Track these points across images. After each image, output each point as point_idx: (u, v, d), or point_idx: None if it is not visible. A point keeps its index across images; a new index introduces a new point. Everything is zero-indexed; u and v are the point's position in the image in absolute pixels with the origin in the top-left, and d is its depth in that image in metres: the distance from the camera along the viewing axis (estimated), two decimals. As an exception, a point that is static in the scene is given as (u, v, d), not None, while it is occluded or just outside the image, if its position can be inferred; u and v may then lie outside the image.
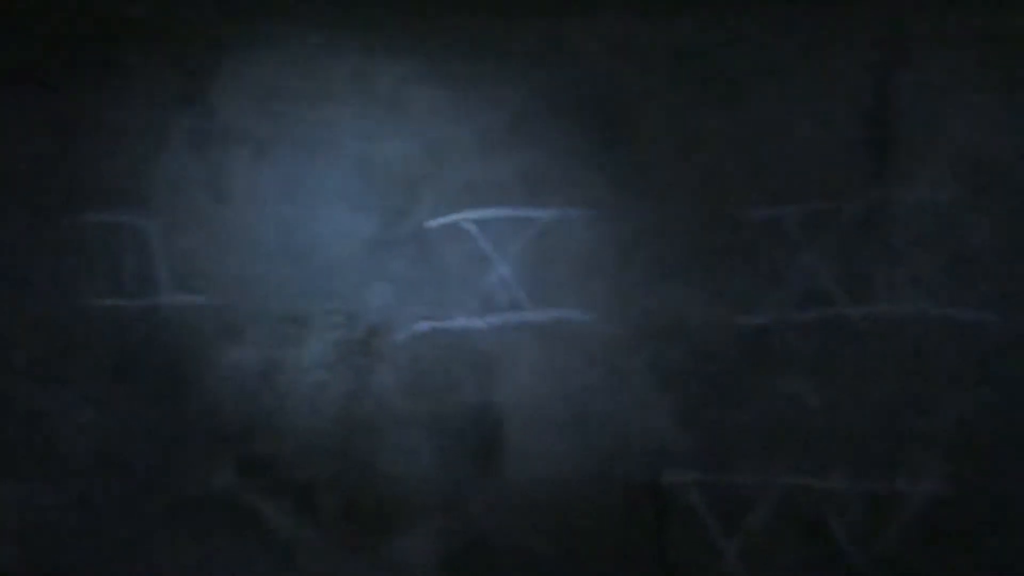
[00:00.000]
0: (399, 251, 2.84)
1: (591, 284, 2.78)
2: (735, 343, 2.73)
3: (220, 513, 2.81)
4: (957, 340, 2.66)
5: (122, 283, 2.85)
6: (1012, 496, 2.61)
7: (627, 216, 2.78)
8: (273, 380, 2.83)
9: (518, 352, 2.80)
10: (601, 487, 2.77)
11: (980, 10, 2.65)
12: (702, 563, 2.72)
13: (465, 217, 2.82)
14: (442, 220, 2.83)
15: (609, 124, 2.80)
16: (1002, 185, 2.66)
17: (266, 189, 2.86)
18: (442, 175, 2.83)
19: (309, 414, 2.82)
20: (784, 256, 2.73)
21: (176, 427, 2.83)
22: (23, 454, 2.85)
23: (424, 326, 2.83)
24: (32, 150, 2.89)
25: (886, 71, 2.69)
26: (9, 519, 2.83)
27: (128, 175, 2.87)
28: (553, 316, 2.79)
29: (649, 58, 2.81)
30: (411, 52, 2.84)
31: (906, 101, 2.69)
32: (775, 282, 2.73)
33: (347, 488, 2.81)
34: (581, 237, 2.80)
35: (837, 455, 2.70)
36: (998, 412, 2.63)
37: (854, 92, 2.71)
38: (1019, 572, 2.58)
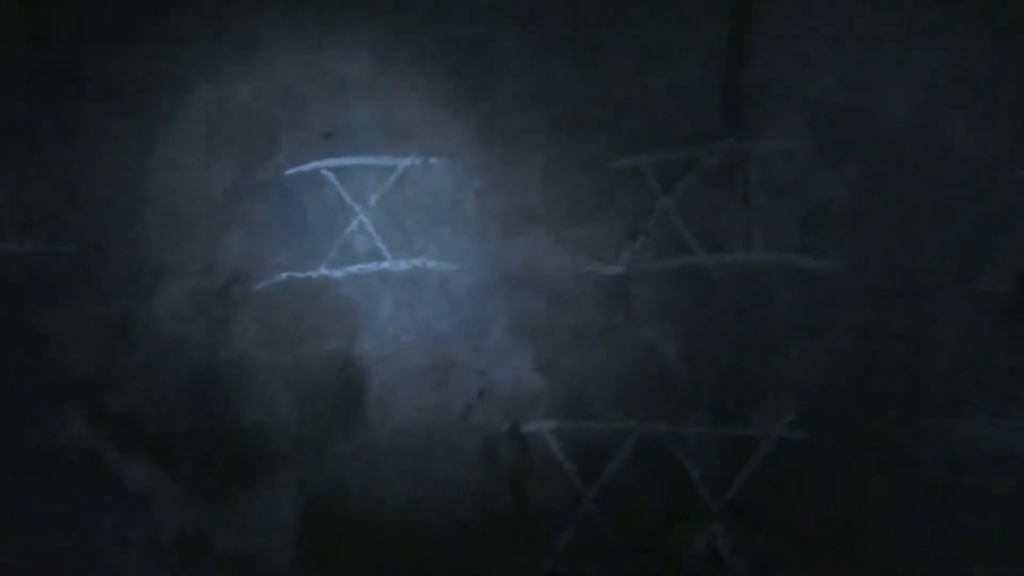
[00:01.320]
0: (257, 199, 2.79)
1: (450, 232, 2.77)
2: (593, 291, 2.75)
3: (72, 467, 2.76)
4: (809, 288, 2.70)
5: (-32, 232, 2.77)
6: (859, 439, 2.68)
7: (486, 164, 2.76)
8: (127, 331, 2.78)
9: (378, 301, 2.79)
10: (461, 435, 2.78)
11: (834, -39, 2.67)
12: (561, 509, 2.76)
13: (324, 165, 2.78)
14: (300, 168, 2.78)
15: (468, 72, 2.77)
16: (855, 138, 2.69)
17: (117, 134, 2.78)
18: (299, 122, 2.78)
19: (165, 366, 2.77)
20: (641, 205, 2.74)
21: (26, 379, 2.76)
22: None
23: (283, 276, 2.79)
24: None
25: (741, 23, 2.70)
26: None
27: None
28: (413, 265, 2.77)
29: (507, 6, 2.77)
30: (266, -5, 2.77)
31: (761, 53, 2.70)
32: (632, 231, 2.74)
33: (205, 441, 2.78)
34: (440, 185, 2.77)
35: (693, 401, 2.74)
36: (847, 358, 2.69)
37: (710, 43, 2.72)
38: (865, 512, 2.66)
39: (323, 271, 2.78)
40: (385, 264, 2.78)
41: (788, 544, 2.68)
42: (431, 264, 2.77)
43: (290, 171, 2.78)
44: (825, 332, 2.70)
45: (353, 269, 2.78)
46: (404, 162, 2.77)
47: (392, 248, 2.78)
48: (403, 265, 2.78)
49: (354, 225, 2.77)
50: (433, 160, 2.77)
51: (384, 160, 2.77)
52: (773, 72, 2.71)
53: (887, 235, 2.68)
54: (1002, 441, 2.60)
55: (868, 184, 2.69)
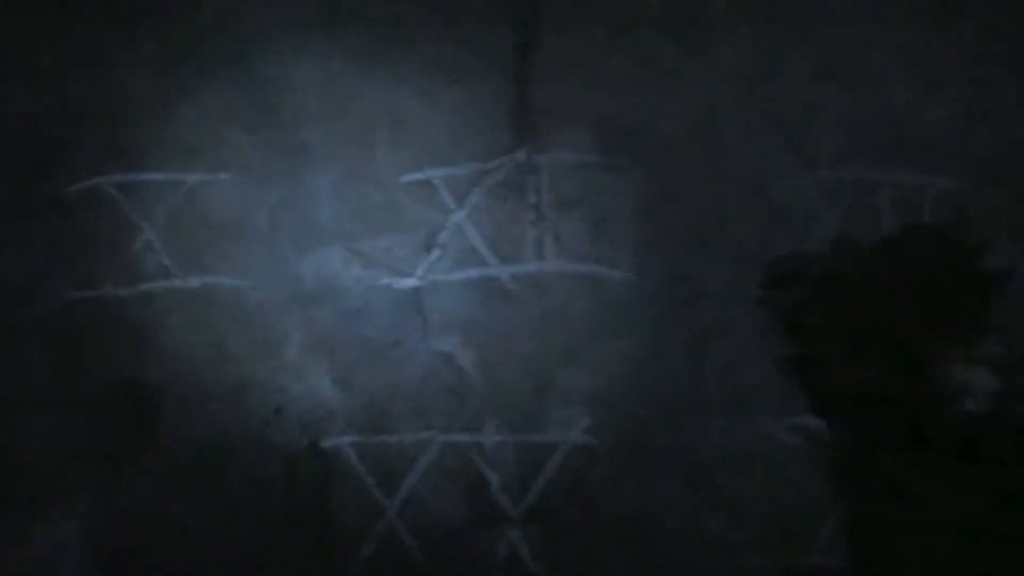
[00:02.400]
0: (38, 218, 2.69)
1: (241, 249, 2.73)
2: (388, 305, 2.76)
3: None
4: (599, 296, 2.79)
5: None
6: (649, 442, 2.77)
7: (277, 179, 2.74)
8: None
9: (169, 320, 2.72)
10: (260, 453, 2.74)
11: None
12: (364, 523, 2.75)
13: (107, 181, 2.70)
14: (82, 185, 2.69)
15: (256, 87, 2.74)
16: (638, 151, 2.78)
17: None
18: (80, 138, 2.69)
19: (-62, 394, 2.64)
20: (434, 218, 2.77)
21: None
22: None
23: (66, 297, 2.69)
24: None
25: (526, 42, 2.76)
26: None
27: None
28: (204, 282, 2.72)
29: (298, 20, 2.76)
30: (40, 6, 2.67)
31: (547, 70, 2.77)
32: (426, 244, 2.77)
33: (-16, 472, 2.65)
34: (231, 201, 2.73)
35: (490, 410, 2.78)
36: (637, 364, 2.78)
37: (497, 61, 2.77)
38: (656, 511, 2.75)
39: (109, 291, 2.70)
40: (175, 282, 2.71)
41: (586, 546, 2.75)
42: (223, 281, 2.73)
43: (71, 188, 2.69)
44: (616, 339, 2.78)
45: (141, 288, 2.70)
46: (193, 178, 2.72)
47: (182, 265, 2.72)
48: (194, 282, 2.72)
49: (141, 243, 2.70)
50: (223, 176, 2.73)
51: (171, 176, 2.71)
52: (559, 88, 2.78)
53: (671, 244, 2.79)
54: (780, 438, 2.74)
55: (652, 195, 2.79)
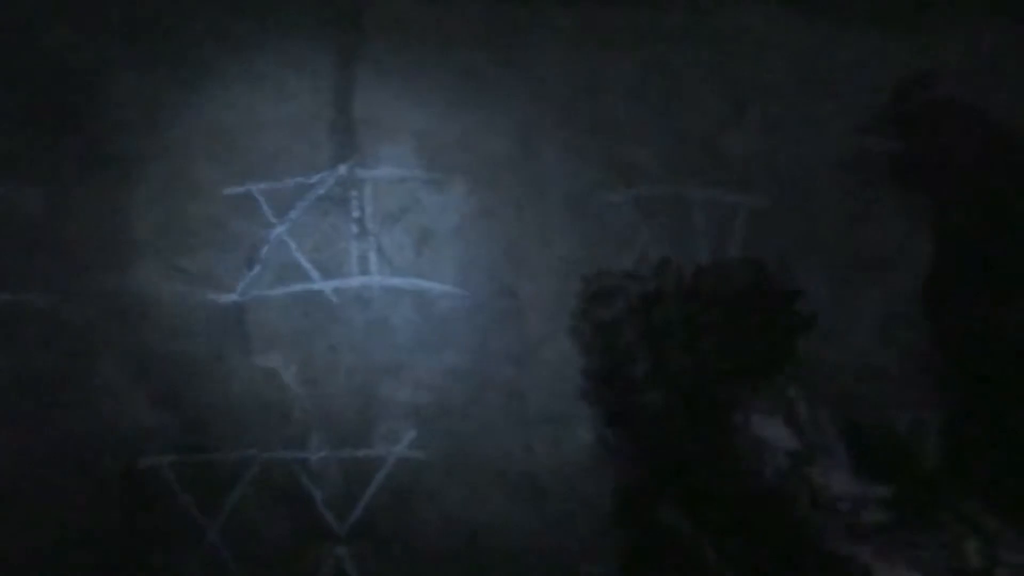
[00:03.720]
0: None
1: (48, 265, 2.64)
2: (208, 321, 2.71)
3: None
4: (424, 310, 2.80)
5: None
6: (475, 455, 2.80)
7: (90, 192, 2.66)
8: None
9: (-27, 340, 2.61)
10: (74, 478, 2.65)
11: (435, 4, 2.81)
12: (183, 545, 2.69)
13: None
14: None
15: (69, 97, 2.66)
16: (461, 166, 2.82)
17: None
18: None
19: None
20: (256, 233, 2.74)
21: None
22: None
23: None
24: None
25: (348, 56, 2.77)
26: None
27: None
28: (11, 299, 2.62)
29: (116, 28, 2.70)
30: None
31: (369, 85, 2.78)
32: (248, 258, 2.73)
33: None
34: (40, 215, 2.64)
35: (315, 426, 2.76)
36: (462, 377, 2.81)
37: (319, 72, 2.77)
38: (486, 522, 2.77)
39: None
40: (-22, 299, 2.60)
41: (414, 560, 2.76)
42: (31, 298, 2.63)
43: None
44: (440, 352, 2.80)
45: (-59, 306, 2.58)
46: (-2, 191, 2.62)
47: (-15, 282, 2.61)
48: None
49: (-59, 259, 2.58)
50: (30, 189, 2.63)
51: (-25, 189, 2.60)
52: (382, 103, 2.79)
53: (494, 258, 2.83)
54: (603, 449, 2.80)
55: (475, 209, 2.82)
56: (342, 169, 2.77)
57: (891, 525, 1.67)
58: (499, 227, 2.83)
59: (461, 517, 2.78)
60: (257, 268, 2.73)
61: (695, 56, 2.89)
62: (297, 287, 2.75)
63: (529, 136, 2.85)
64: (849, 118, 2.93)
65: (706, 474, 2.04)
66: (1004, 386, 2.37)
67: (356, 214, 2.78)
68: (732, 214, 2.91)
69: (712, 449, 2.17)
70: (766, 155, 2.92)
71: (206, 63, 2.73)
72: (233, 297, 2.72)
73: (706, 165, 2.90)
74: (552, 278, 2.83)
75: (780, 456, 1.80)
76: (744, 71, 2.91)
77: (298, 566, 2.73)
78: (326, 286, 2.76)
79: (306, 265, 2.76)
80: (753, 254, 2.90)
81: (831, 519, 1.71)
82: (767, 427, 1.54)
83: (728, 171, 2.91)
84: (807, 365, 2.48)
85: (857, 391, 2.64)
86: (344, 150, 2.77)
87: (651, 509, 2.34)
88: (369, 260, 2.78)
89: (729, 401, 1.89)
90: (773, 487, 1.85)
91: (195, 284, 2.71)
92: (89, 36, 2.71)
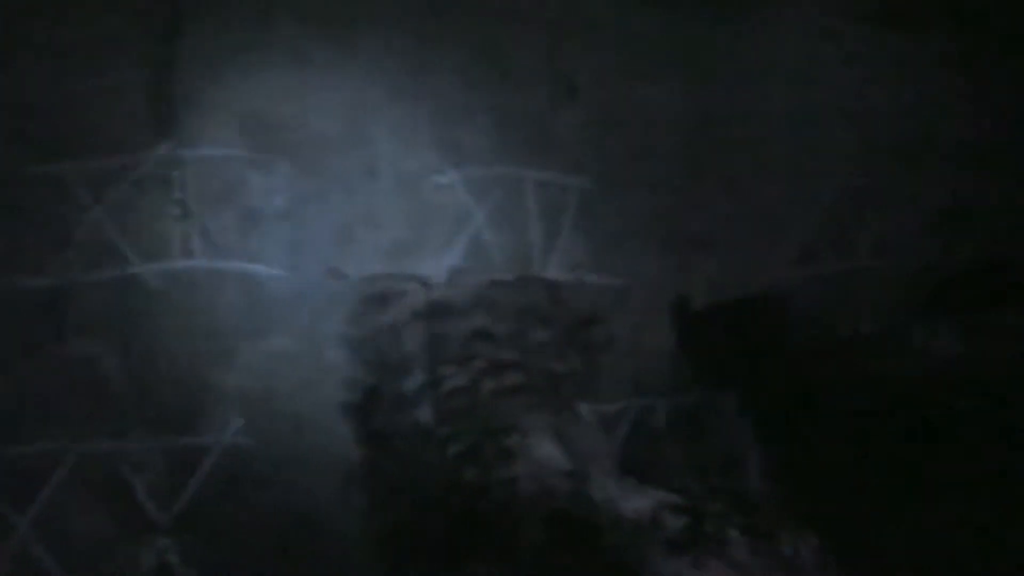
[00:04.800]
0: None
1: None
2: (18, 307, 2.59)
3: None
4: (250, 294, 2.74)
5: None
6: (306, 441, 2.74)
7: None
8: None
9: None
10: None
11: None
12: (-7, 542, 2.56)
13: None
14: None
15: None
16: (288, 147, 2.76)
17: None
18: None
19: None
20: (69, 214, 2.63)
21: None
22: None
23: None
24: None
25: (169, 31, 2.68)
26: None
27: None
28: None
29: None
30: None
31: (190, 61, 2.70)
32: (61, 242, 2.62)
33: None
34: None
35: (137, 415, 2.66)
36: (289, 360, 2.75)
37: (138, 50, 2.67)
38: (314, 516, 2.71)
39: None
40: None
41: (241, 550, 2.69)
42: None
43: None
44: (269, 337, 2.74)
45: None
46: None
47: None
48: None
49: None
50: None
51: None
52: (204, 82, 2.71)
53: (324, 240, 2.78)
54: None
55: (303, 191, 2.77)
56: (162, 148, 2.68)
57: (698, 532, 1.63)
58: (328, 209, 2.79)
59: (290, 505, 2.72)
60: (71, 251, 2.62)
61: (526, 38, 2.89)
62: (116, 271, 2.65)
63: (358, 117, 2.81)
64: (680, 100, 2.98)
65: (478, 505, 1.81)
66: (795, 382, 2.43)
67: (178, 195, 2.69)
68: (564, 195, 2.93)
69: (486, 475, 1.90)
70: (597, 137, 2.95)
71: (10, 35, 2.60)
72: (45, 281, 2.61)
73: (538, 147, 2.91)
74: (383, 259, 2.80)
75: (558, 478, 1.61)
76: (575, 54, 2.93)
77: (117, 559, 2.63)
78: (146, 270, 2.67)
79: (125, 248, 2.66)
80: (584, 235, 2.94)
81: (640, 536, 1.66)
82: (543, 447, 1.46)
83: (560, 153, 2.93)
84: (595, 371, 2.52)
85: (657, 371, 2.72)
86: (164, 129, 2.68)
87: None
88: (192, 243, 2.70)
89: (505, 423, 1.67)
90: (561, 513, 1.66)
91: (3, 268, 2.58)
92: None
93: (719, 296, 2.92)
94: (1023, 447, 1.84)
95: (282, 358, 2.74)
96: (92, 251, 2.64)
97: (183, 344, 2.70)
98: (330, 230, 2.79)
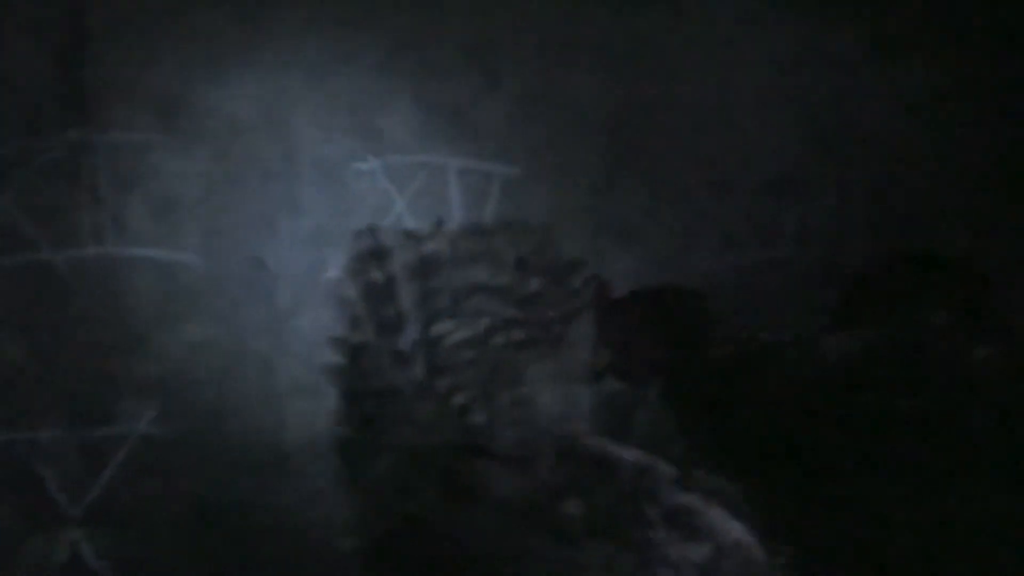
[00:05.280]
0: None
1: None
2: (-80, 295, 2.53)
3: None
4: (165, 282, 2.69)
5: None
6: (224, 431, 2.71)
7: None
8: None
9: None
10: None
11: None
12: None
13: None
14: None
15: None
16: (203, 131, 2.71)
17: None
18: None
19: None
20: (-27, 200, 2.57)
21: None
22: None
23: None
24: None
25: (75, 10, 2.62)
26: None
27: None
28: None
29: None
30: None
31: (100, 43, 2.64)
32: (-36, 228, 2.56)
33: None
34: None
35: (48, 406, 2.61)
36: (207, 349, 2.71)
37: (42, 30, 2.61)
38: (234, 507, 2.68)
39: None
40: None
41: (157, 542, 2.66)
42: None
43: None
44: (185, 325, 2.70)
45: None
46: None
47: None
48: None
49: None
50: None
51: None
52: (115, 64, 2.65)
53: (241, 227, 2.74)
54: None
55: (219, 177, 2.73)
56: (72, 133, 2.62)
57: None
58: (246, 195, 2.75)
59: (208, 496, 2.69)
60: (-26, 238, 2.56)
61: (447, 26, 2.87)
62: (24, 258, 2.59)
63: (276, 103, 2.77)
64: (601, 88, 2.98)
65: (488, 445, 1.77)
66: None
67: (88, 181, 2.64)
68: (487, 183, 2.92)
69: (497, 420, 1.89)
70: (521, 125, 2.94)
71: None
72: (-52, 269, 2.55)
73: (460, 135, 2.89)
74: (303, 247, 2.77)
75: (559, 424, 1.59)
76: (497, 42, 2.91)
77: (28, 552, 2.58)
78: (58, 257, 2.61)
79: (34, 235, 2.60)
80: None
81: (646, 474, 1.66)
82: (545, 395, 1.49)
83: (482, 141, 2.91)
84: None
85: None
86: (74, 112, 2.62)
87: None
88: (104, 230, 2.65)
89: (513, 375, 1.61)
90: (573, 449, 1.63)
91: (-96, 255, 2.52)
92: None
93: (641, 285, 2.92)
94: (924, 437, 1.87)
95: (199, 347, 2.70)
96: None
97: (94, 333, 2.65)
98: (248, 217, 2.75)
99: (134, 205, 2.67)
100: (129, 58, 2.65)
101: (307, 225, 2.79)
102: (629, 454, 1.38)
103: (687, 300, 2.67)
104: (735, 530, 1.26)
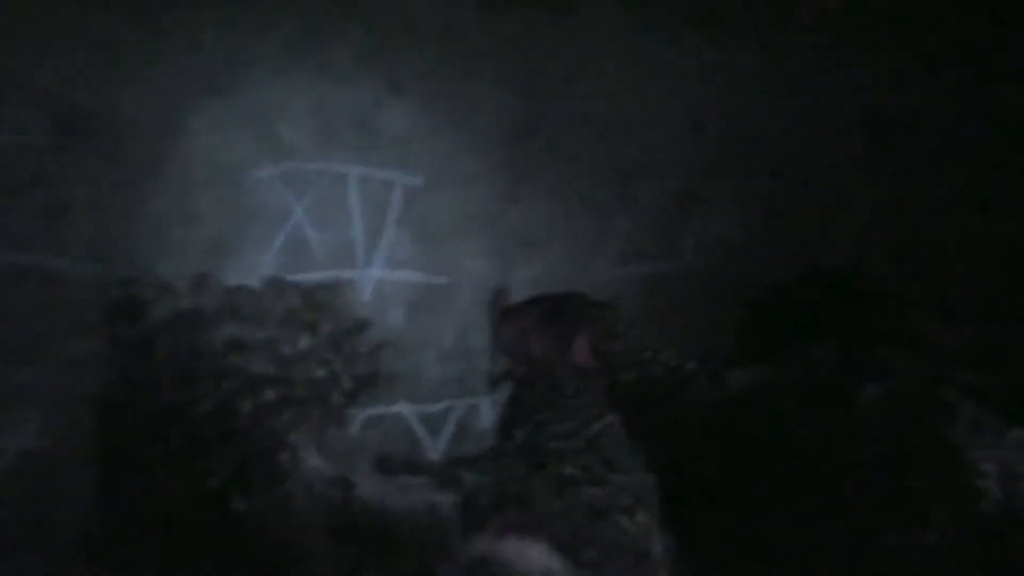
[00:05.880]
0: None
1: None
2: None
3: None
4: (52, 290, 2.60)
5: None
6: (108, 444, 2.62)
7: None
8: None
9: None
10: None
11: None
12: None
13: None
14: None
15: None
16: (97, 136, 2.64)
17: None
18: None
19: None
20: None
21: None
22: None
23: None
24: None
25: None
26: None
27: None
28: None
29: None
30: None
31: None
32: None
33: None
34: None
35: (-76, 417, 2.51)
36: (90, 363, 2.62)
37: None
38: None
39: None
40: None
41: (41, 558, 2.55)
42: None
43: None
44: (69, 337, 2.61)
45: None
46: None
47: None
48: None
49: None
50: None
51: None
52: (4, 63, 2.57)
53: (134, 236, 2.68)
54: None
55: (112, 182, 2.66)
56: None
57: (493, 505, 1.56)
58: (139, 201, 2.68)
59: (95, 511, 2.59)
60: None
61: (347, 33, 2.84)
62: (-100, 265, 2.49)
63: (172, 107, 2.71)
64: (505, 98, 2.98)
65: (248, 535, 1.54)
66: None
67: (-24, 185, 2.55)
68: (388, 192, 2.89)
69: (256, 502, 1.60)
70: (422, 134, 2.92)
71: None
72: None
73: (361, 143, 2.87)
74: (198, 257, 2.71)
75: (327, 487, 1.39)
76: (398, 50, 2.89)
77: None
78: (-64, 264, 2.52)
79: (-89, 240, 2.50)
80: (409, 232, 2.91)
81: (429, 526, 1.57)
82: (310, 460, 1.33)
83: (384, 149, 2.89)
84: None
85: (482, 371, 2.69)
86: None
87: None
88: (-11, 235, 2.56)
89: (271, 443, 1.40)
90: (340, 520, 1.46)
91: None
92: None
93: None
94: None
95: (83, 360, 2.61)
96: None
97: (-22, 342, 2.55)
98: (140, 223, 2.68)
99: (21, 211, 2.58)
100: (20, 58, 2.57)
101: (202, 234, 2.73)
102: (407, 497, 1.28)
103: (589, 309, 2.66)
104: (543, 560, 1.22)
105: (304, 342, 1.40)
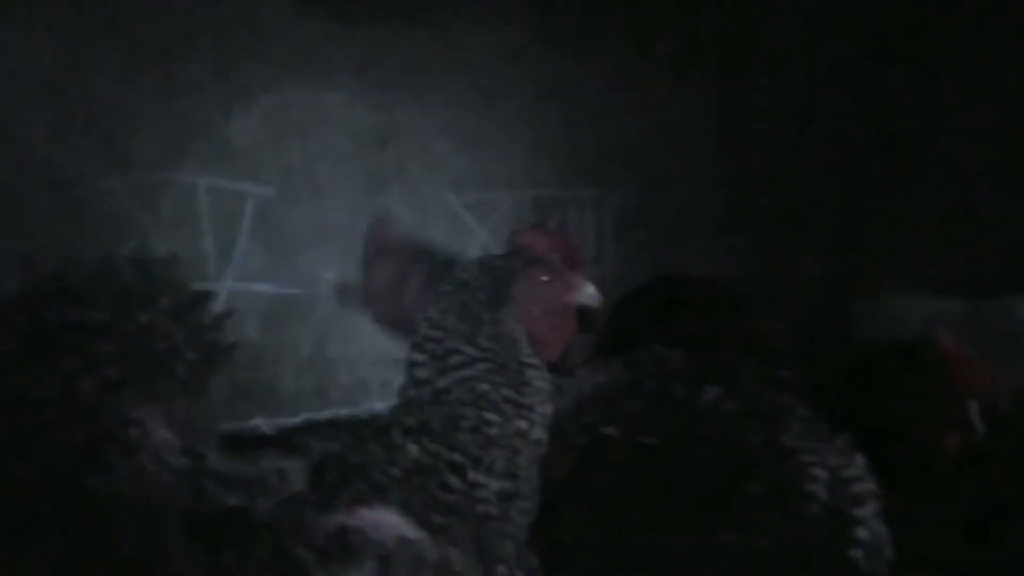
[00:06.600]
0: None
1: None
2: None
3: None
4: None
5: None
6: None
7: None
8: None
9: None
10: None
11: None
12: None
13: None
14: None
15: None
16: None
17: None
18: None
19: None
20: None
21: None
22: None
23: None
24: None
25: None
26: None
27: None
28: None
29: None
30: None
31: None
32: None
33: None
34: None
35: None
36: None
37: None
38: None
39: None
40: None
41: None
42: None
43: None
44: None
45: None
46: None
47: None
48: None
49: None
50: None
51: None
52: None
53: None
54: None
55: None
56: None
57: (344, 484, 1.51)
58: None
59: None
60: None
61: (195, 42, 2.79)
62: None
63: (12, 115, 2.62)
64: (361, 108, 2.96)
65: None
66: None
67: None
68: (239, 203, 2.85)
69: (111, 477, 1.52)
70: (274, 144, 2.88)
71: None
72: None
73: (210, 154, 2.82)
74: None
75: (177, 457, 1.34)
76: (248, 60, 2.85)
77: None
78: None
79: None
80: (262, 244, 2.87)
81: (285, 498, 1.53)
82: (159, 433, 1.31)
83: (235, 160, 2.85)
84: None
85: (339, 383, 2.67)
86: None
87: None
88: None
89: (118, 420, 1.35)
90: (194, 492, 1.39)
91: None
92: None
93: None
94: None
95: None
96: None
97: None
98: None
99: None
100: None
101: (41, 245, 2.63)
102: (262, 465, 1.27)
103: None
104: (397, 528, 1.23)
105: (144, 317, 1.38)
